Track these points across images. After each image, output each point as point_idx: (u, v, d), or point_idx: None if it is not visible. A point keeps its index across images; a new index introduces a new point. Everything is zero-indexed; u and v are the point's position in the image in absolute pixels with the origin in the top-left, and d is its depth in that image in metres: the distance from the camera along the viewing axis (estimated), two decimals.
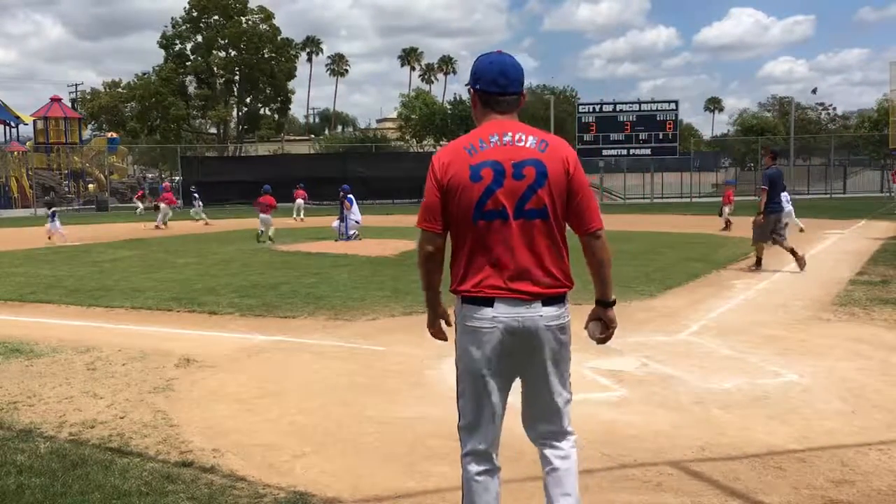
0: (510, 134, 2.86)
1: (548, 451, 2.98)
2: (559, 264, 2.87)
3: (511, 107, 2.93)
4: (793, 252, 11.48)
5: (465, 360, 2.90)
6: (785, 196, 12.83)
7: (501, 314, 2.81)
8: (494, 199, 2.80)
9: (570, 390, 3.00)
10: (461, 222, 2.85)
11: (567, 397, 2.97)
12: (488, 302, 2.82)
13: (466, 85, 3.07)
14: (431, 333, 3.16)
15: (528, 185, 2.80)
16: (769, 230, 11.58)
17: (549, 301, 2.84)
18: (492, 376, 2.86)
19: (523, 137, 2.86)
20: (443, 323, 3.13)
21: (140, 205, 31.55)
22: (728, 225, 19.69)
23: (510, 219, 2.80)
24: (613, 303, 3.01)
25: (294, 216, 27.26)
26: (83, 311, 9.21)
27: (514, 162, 2.81)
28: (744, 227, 19.30)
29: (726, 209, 20.33)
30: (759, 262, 11.81)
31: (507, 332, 2.81)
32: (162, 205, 25.18)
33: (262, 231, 18.28)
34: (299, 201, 27.89)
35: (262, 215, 18.44)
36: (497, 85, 2.89)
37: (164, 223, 24.47)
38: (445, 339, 3.13)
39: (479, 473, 2.92)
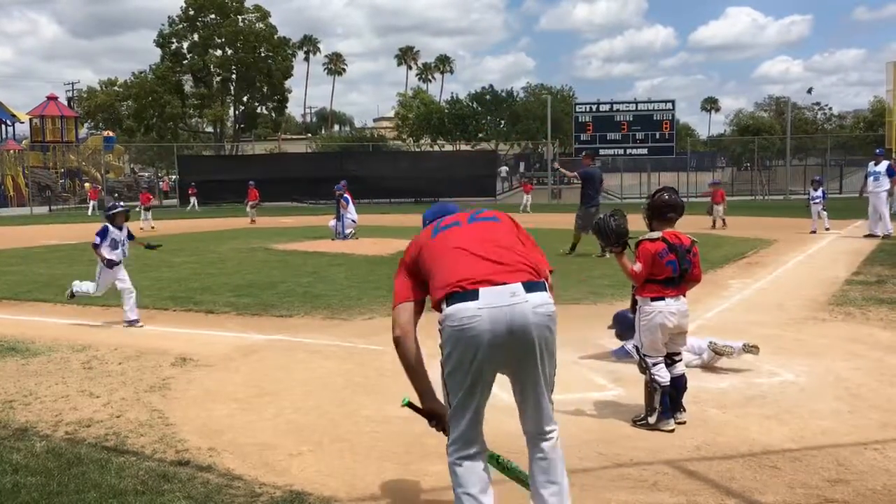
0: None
1: (536, 440, 3.05)
2: (526, 254, 3.06)
3: None
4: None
5: (453, 354, 2.91)
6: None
7: (486, 305, 2.86)
8: (450, 219, 3.24)
9: (554, 385, 3.06)
10: (427, 257, 3.10)
11: (551, 392, 3.03)
12: (472, 295, 2.87)
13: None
14: (430, 410, 3.21)
15: (481, 214, 3.26)
16: (590, 223, 13.11)
17: (531, 287, 2.91)
18: (479, 365, 2.89)
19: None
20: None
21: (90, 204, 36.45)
22: (723, 223, 20.24)
23: (465, 224, 3.17)
24: None
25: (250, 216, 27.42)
26: (79, 310, 9.20)
27: (469, 216, 3.25)
28: (736, 226, 19.48)
29: (719, 208, 20.74)
30: (573, 248, 13.92)
31: (493, 320, 2.84)
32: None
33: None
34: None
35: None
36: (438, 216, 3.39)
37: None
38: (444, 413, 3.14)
39: (460, 458, 2.98)
